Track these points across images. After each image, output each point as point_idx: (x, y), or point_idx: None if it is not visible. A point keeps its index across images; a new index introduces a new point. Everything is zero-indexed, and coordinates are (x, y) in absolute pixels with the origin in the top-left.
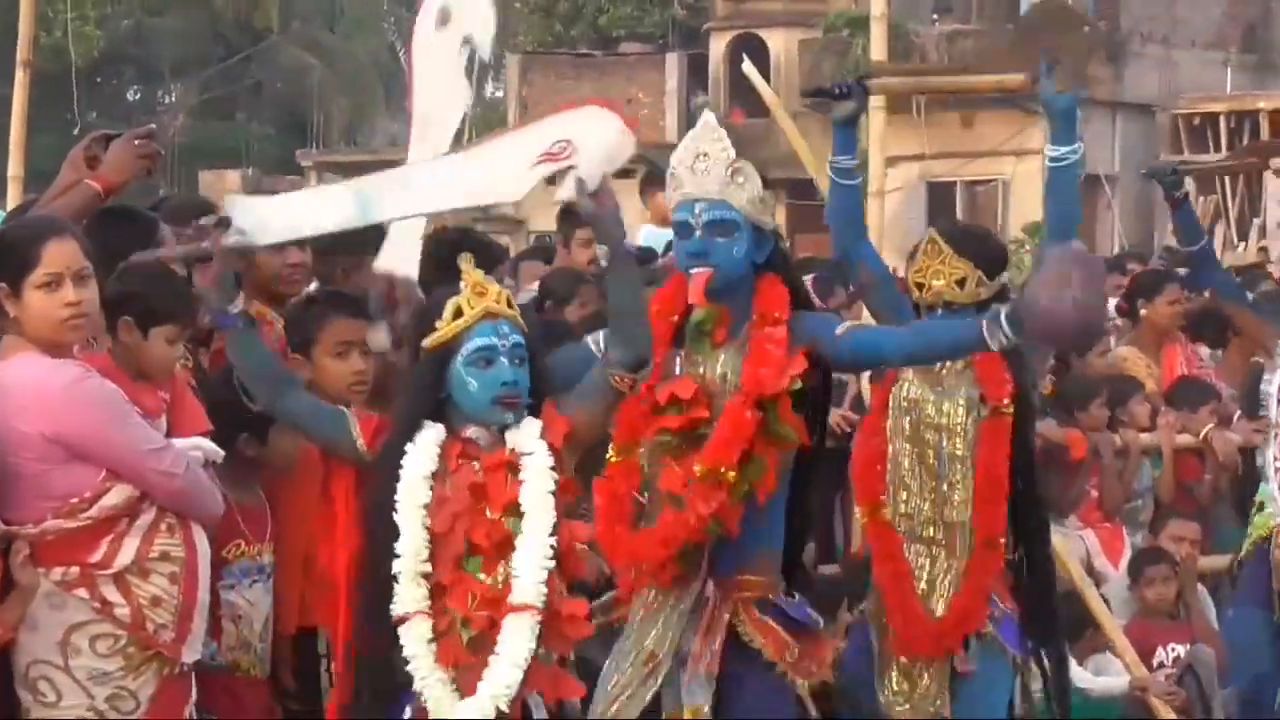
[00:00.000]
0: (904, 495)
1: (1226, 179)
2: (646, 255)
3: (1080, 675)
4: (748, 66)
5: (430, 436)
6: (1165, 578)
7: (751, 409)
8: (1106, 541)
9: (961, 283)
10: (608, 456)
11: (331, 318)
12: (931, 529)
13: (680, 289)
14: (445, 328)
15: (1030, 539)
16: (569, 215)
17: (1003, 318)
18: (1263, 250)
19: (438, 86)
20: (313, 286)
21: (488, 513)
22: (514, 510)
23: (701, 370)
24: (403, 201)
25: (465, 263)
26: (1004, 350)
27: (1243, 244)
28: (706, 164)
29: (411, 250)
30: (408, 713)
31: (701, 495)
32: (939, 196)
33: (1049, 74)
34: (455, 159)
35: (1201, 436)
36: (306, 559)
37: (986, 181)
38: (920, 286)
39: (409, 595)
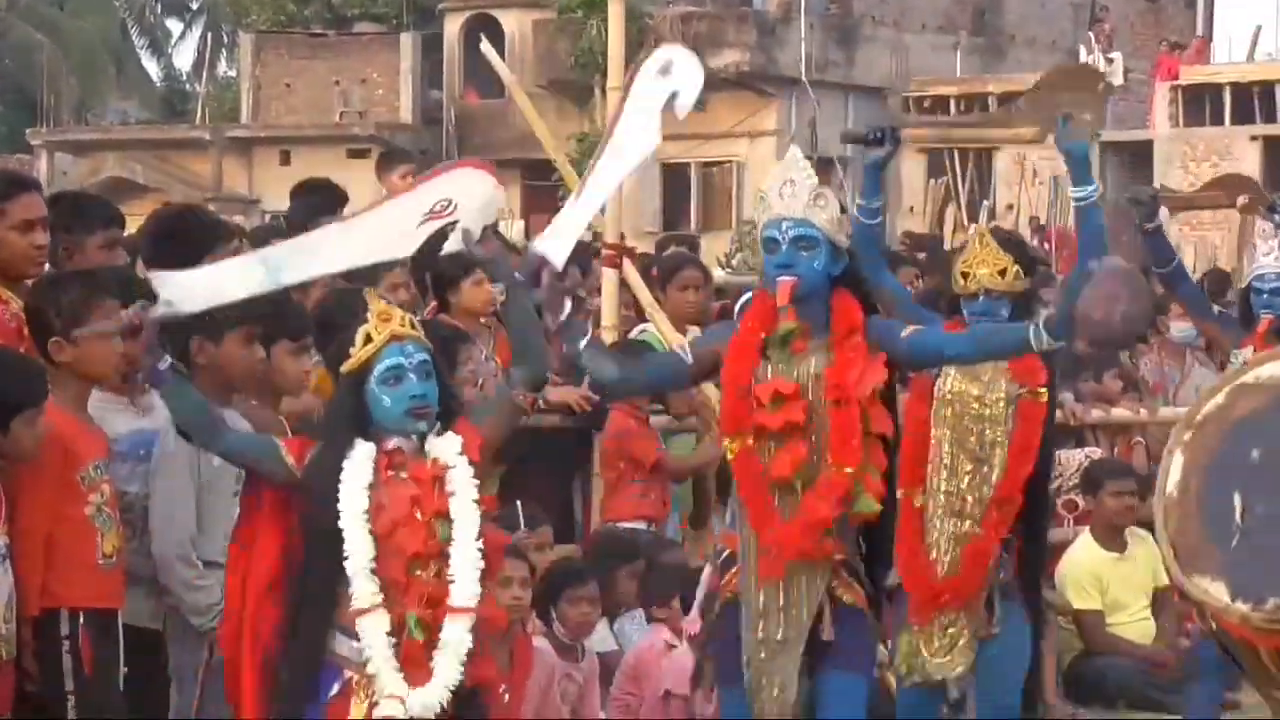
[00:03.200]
0: (945, 475)
1: (955, 156)
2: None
3: None
4: (485, 46)
5: (363, 452)
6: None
7: (853, 410)
8: None
9: (1003, 273)
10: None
11: (99, 299)
12: (968, 506)
13: (766, 307)
14: (358, 353)
15: (1035, 510)
16: (457, 259)
17: (1042, 326)
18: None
19: (637, 123)
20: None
21: (417, 516)
22: (443, 517)
23: (787, 373)
24: (307, 265)
25: (370, 297)
26: (1040, 353)
27: (973, 225)
28: (793, 189)
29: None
30: (335, 689)
31: (829, 490)
32: (674, 178)
33: (1065, 125)
34: (349, 224)
35: None
36: (49, 541)
37: (721, 163)
38: (965, 275)
39: (364, 591)
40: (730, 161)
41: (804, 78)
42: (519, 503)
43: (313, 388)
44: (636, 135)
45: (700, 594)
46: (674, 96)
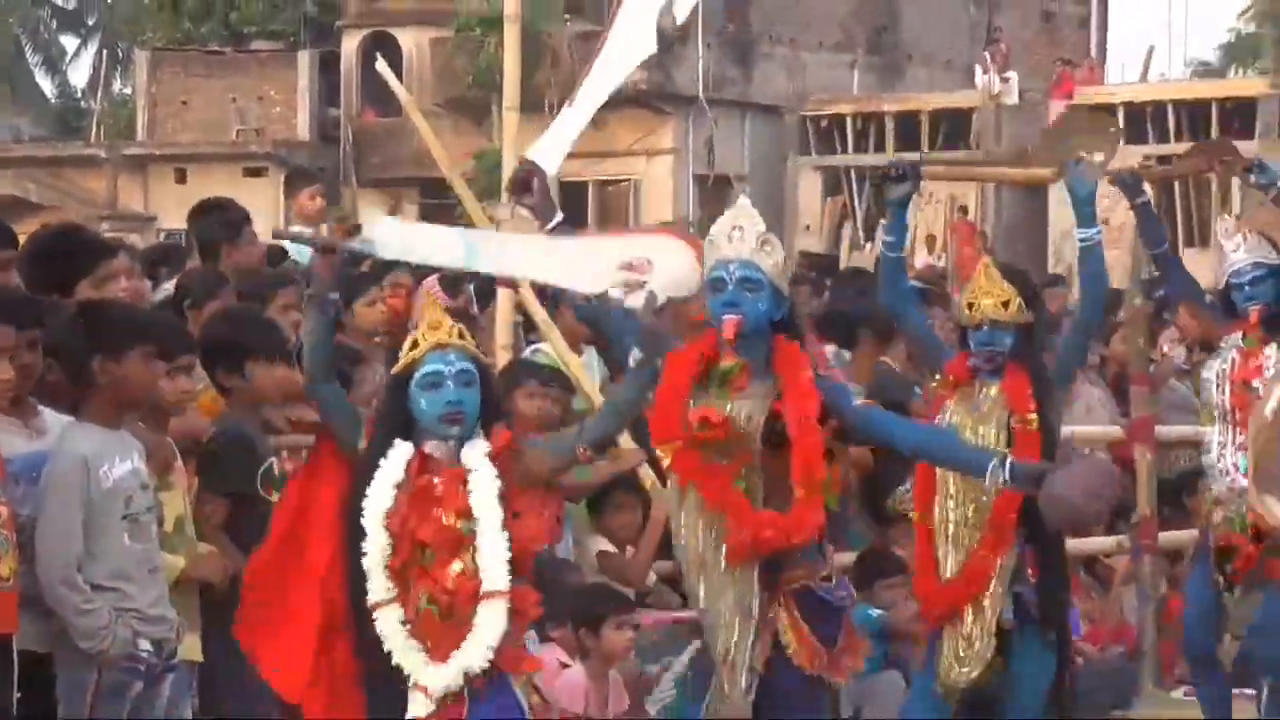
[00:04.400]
0: (951, 504)
1: (852, 175)
2: (281, 255)
3: None
4: (381, 65)
5: (401, 452)
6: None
7: (815, 430)
8: None
9: (1006, 304)
10: (660, 455)
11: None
12: (971, 529)
13: (706, 343)
14: (405, 357)
15: (1045, 536)
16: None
17: (1007, 470)
18: None
19: (631, 29)
20: None
21: (443, 518)
22: (466, 514)
23: (725, 409)
24: (501, 261)
25: (429, 303)
26: (1032, 382)
27: (869, 244)
28: (741, 234)
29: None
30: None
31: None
32: (571, 195)
33: (1076, 166)
34: (555, 242)
35: None
36: None
37: (617, 181)
38: (970, 306)
39: (378, 586)
40: (627, 179)
41: (701, 96)
42: None
43: (203, 407)
44: (632, 41)
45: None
46: (670, 2)
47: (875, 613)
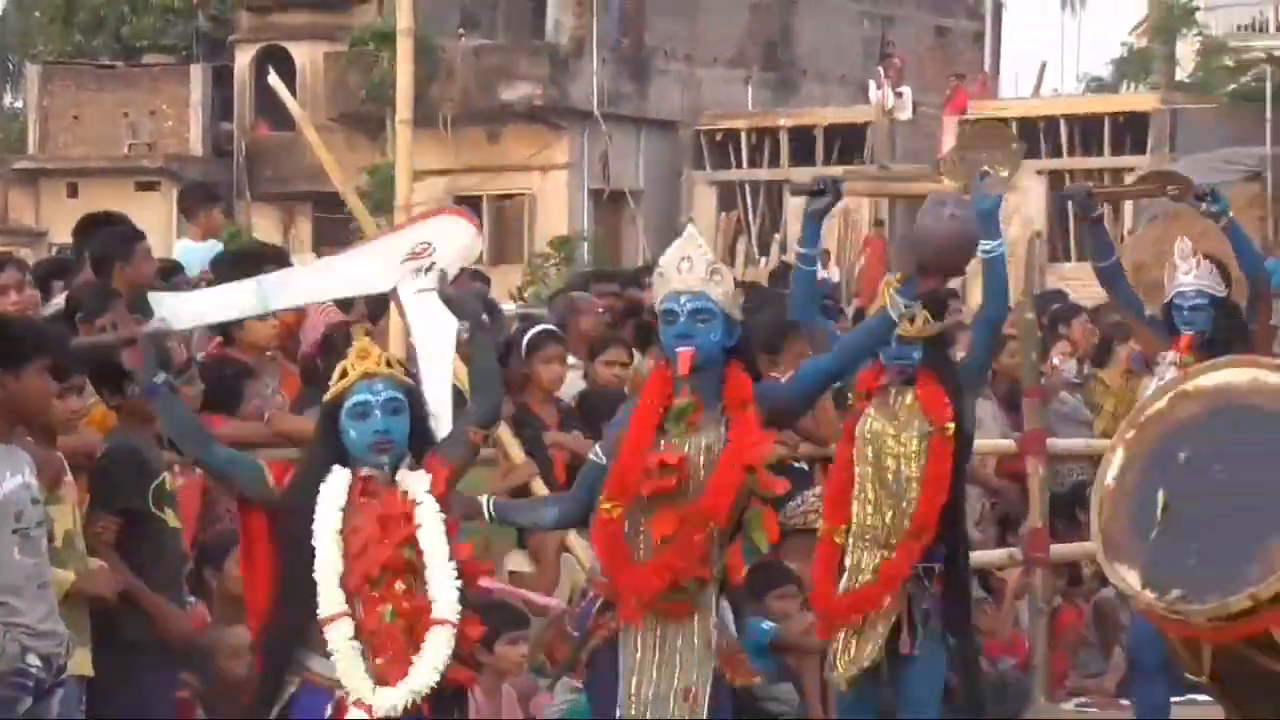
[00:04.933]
0: (869, 509)
1: (748, 190)
2: (173, 269)
3: None
4: (273, 79)
5: (340, 477)
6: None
7: (738, 474)
8: None
9: (911, 320)
10: (601, 505)
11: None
12: (887, 536)
13: (664, 378)
14: (335, 386)
15: (953, 542)
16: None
17: (901, 301)
18: (783, 265)
19: (429, 330)
20: None
21: (393, 544)
22: (411, 542)
23: (684, 448)
24: (295, 292)
25: (357, 334)
26: (945, 389)
27: (764, 259)
28: (690, 265)
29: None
30: (328, 711)
31: (687, 546)
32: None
33: (981, 181)
34: (337, 259)
35: None
36: None
37: (512, 195)
38: None
39: (331, 599)
40: (522, 194)
41: (596, 111)
42: None
43: (94, 422)
44: (371, 269)
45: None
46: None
47: (768, 625)
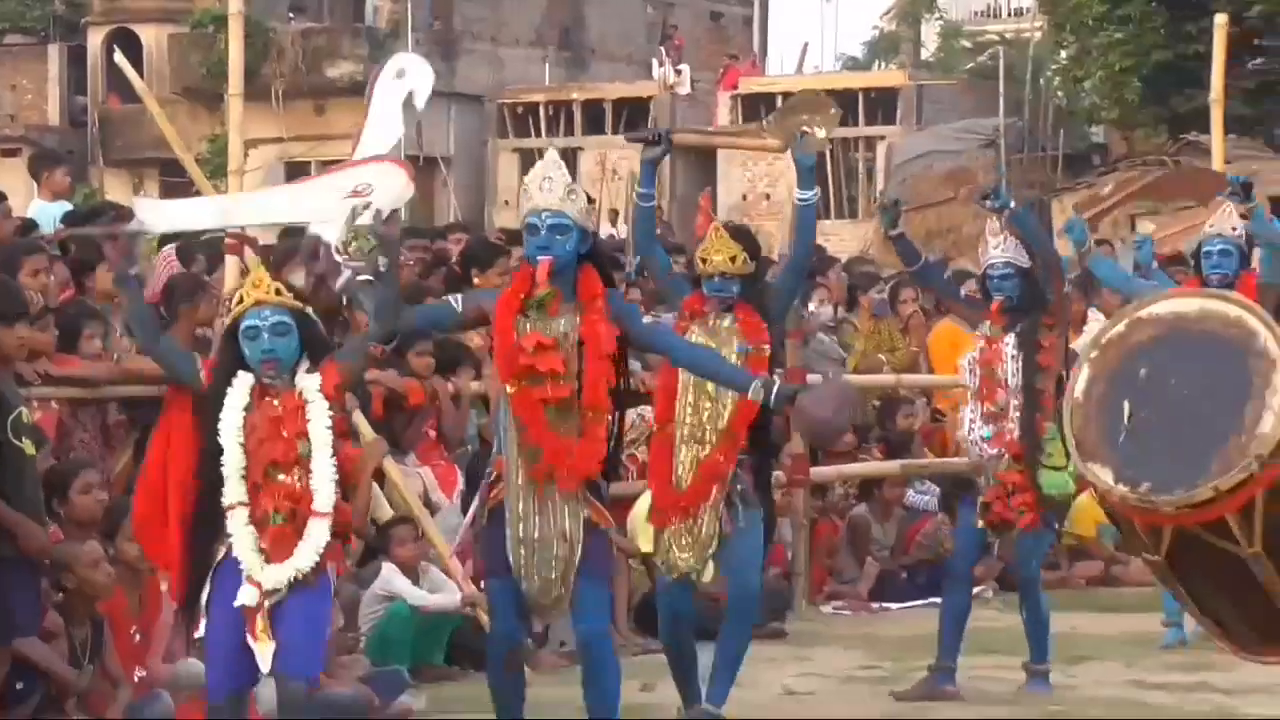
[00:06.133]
0: (690, 412)
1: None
2: (30, 226)
3: (415, 594)
4: (120, 58)
5: (243, 381)
6: None
7: (605, 364)
8: (442, 477)
9: (734, 259)
10: (507, 388)
11: None
12: (707, 435)
13: (528, 275)
14: (233, 311)
15: (762, 443)
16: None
17: (762, 389)
18: None
19: (383, 118)
20: None
21: (286, 439)
22: (304, 436)
23: (544, 330)
24: (250, 213)
25: (252, 264)
26: (761, 313)
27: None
28: (550, 184)
29: (334, 221)
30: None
31: (594, 439)
32: (295, 174)
33: (801, 140)
34: (291, 187)
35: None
36: None
37: (337, 162)
38: (704, 261)
39: (233, 490)
40: (346, 160)
41: None
42: None
43: None
44: (383, 127)
45: (474, 505)
46: (411, 95)
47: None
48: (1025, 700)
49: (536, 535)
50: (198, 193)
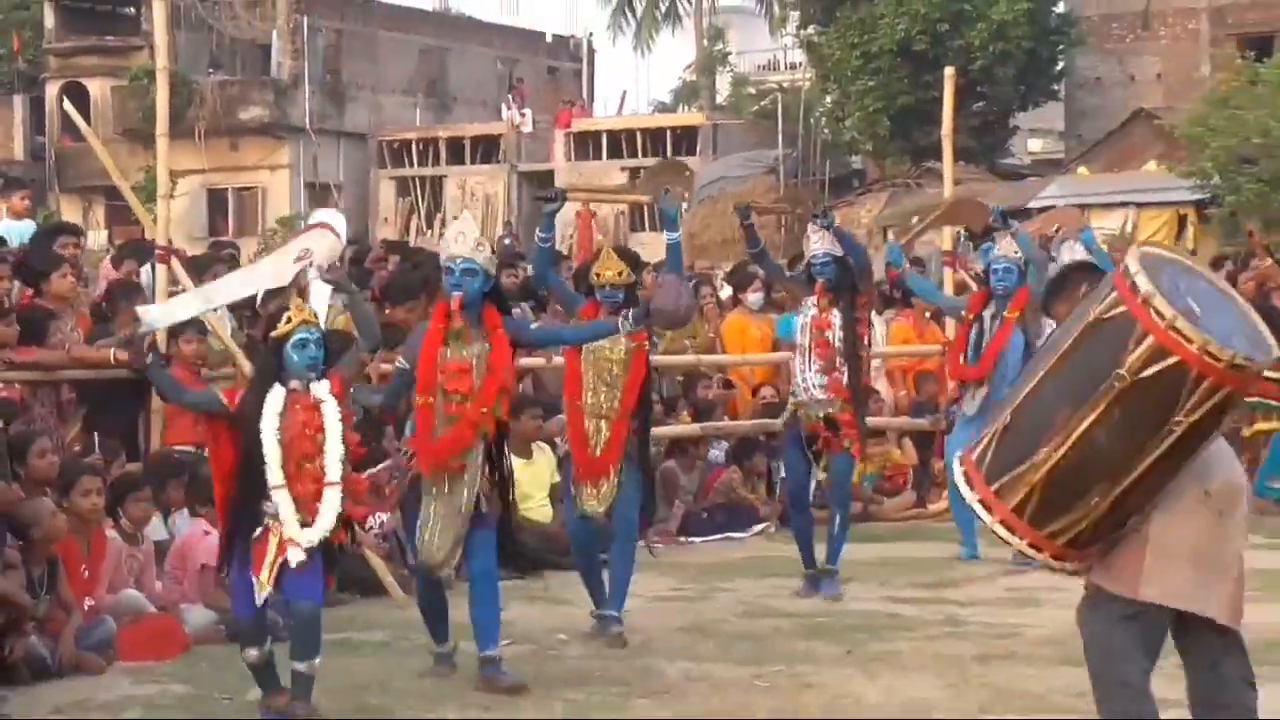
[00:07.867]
0: (589, 395)
1: (418, 182)
2: None
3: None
4: (68, 107)
5: (278, 393)
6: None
7: (494, 392)
8: None
9: (620, 274)
10: (415, 400)
11: None
12: (606, 410)
13: (444, 308)
14: (283, 327)
15: (645, 413)
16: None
17: (629, 318)
18: (442, 233)
19: (274, 268)
20: None
21: (307, 432)
22: (321, 430)
23: (462, 356)
24: (225, 294)
25: (293, 296)
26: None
27: (429, 231)
28: (464, 238)
29: (288, 278)
30: (258, 531)
31: (475, 421)
32: (215, 199)
33: (665, 195)
34: (249, 268)
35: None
36: None
37: (250, 188)
38: (599, 275)
39: (275, 474)
40: (257, 187)
41: (309, 127)
42: (97, 435)
43: None
44: (270, 272)
45: (391, 467)
46: (307, 269)
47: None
48: (804, 613)
49: (442, 511)
50: (132, 214)
